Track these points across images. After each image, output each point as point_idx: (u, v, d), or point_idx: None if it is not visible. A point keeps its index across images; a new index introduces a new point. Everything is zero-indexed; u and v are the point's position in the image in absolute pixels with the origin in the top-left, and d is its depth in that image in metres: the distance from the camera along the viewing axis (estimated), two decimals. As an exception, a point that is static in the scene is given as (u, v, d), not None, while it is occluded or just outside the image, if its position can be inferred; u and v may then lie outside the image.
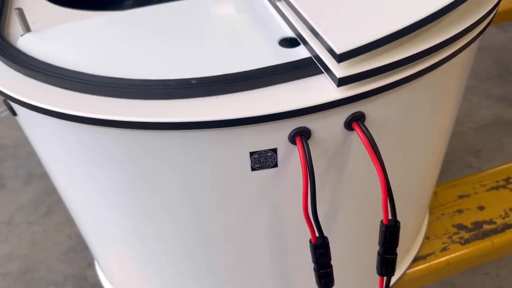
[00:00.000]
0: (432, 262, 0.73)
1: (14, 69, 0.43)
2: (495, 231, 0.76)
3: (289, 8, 0.44)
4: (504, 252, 0.77)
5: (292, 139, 0.39)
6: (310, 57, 0.40)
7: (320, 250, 0.41)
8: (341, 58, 0.35)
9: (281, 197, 0.44)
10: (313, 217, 0.40)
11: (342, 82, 0.36)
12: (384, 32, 0.35)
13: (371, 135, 0.39)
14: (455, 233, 0.76)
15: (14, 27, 0.50)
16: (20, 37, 0.46)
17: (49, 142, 0.47)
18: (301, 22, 0.41)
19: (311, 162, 0.38)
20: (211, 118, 0.36)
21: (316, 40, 0.39)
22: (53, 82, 0.41)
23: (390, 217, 0.41)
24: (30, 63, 0.42)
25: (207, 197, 0.44)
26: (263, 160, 0.41)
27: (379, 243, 0.43)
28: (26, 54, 0.44)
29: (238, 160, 0.40)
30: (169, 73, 0.39)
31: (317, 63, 0.39)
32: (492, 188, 0.83)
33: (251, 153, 0.40)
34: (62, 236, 1.34)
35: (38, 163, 1.55)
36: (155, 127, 0.37)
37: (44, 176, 1.51)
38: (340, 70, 0.36)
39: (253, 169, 0.41)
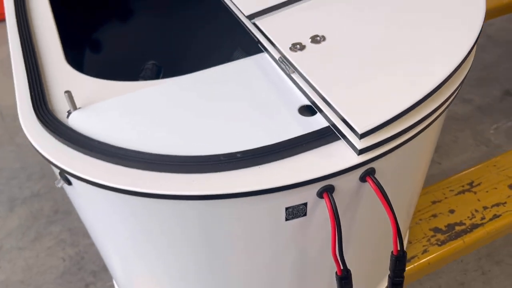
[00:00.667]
0: (416, 264, 0.85)
1: (74, 149, 0.49)
2: (465, 231, 0.89)
3: (303, 80, 0.52)
4: (473, 248, 0.90)
5: (320, 195, 0.48)
6: (329, 126, 0.49)
7: (345, 281, 0.51)
8: (362, 136, 0.44)
9: (308, 239, 0.54)
10: (339, 255, 0.49)
11: (361, 151, 0.45)
12: (397, 110, 0.45)
13: (381, 186, 0.49)
14: (432, 236, 0.88)
15: (56, 102, 0.56)
16: (71, 115, 0.52)
17: (105, 212, 0.53)
18: (316, 94, 0.50)
19: (337, 212, 0.48)
20: (259, 188, 0.45)
21: (333, 113, 0.48)
22: (113, 160, 0.48)
23: (399, 248, 0.51)
24: (89, 143, 0.49)
25: (246, 246, 0.52)
26: (295, 212, 0.50)
27: (390, 269, 0.53)
28: (81, 133, 0.50)
29: (275, 214, 0.49)
30: (216, 148, 0.47)
31: (336, 132, 0.48)
32: (459, 193, 0.96)
33: (286, 208, 0.49)
34: (56, 259, 1.37)
35: (19, 187, 1.56)
36: (213, 198, 0.45)
37: (27, 200, 1.53)
38: (361, 143, 0.45)
39: (286, 219, 0.50)
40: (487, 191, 0.95)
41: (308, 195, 0.48)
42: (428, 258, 0.85)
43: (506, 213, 0.92)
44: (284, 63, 0.54)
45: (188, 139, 0.49)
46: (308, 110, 0.52)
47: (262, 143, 0.48)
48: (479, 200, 0.94)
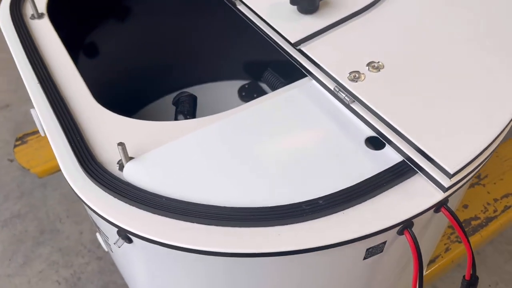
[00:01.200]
0: (440, 263, 0.87)
1: (135, 206, 0.45)
2: (481, 225, 0.92)
3: (367, 111, 0.50)
4: (488, 240, 0.94)
5: (400, 232, 0.47)
6: (403, 160, 0.48)
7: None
8: (453, 175, 0.43)
9: (382, 271, 0.53)
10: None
11: (448, 189, 0.45)
12: (482, 144, 0.44)
13: (455, 214, 0.48)
14: (451, 233, 0.91)
15: (99, 152, 0.51)
16: (125, 168, 0.48)
17: (172, 271, 0.50)
18: (387, 127, 0.49)
19: (419, 246, 0.47)
20: (349, 238, 0.43)
21: (409, 147, 0.47)
22: (181, 217, 0.44)
23: (471, 272, 0.52)
24: (152, 198, 0.45)
25: (323, 284, 0.51)
26: (374, 251, 0.48)
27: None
28: (141, 188, 0.46)
29: (355, 255, 0.48)
30: (294, 196, 0.45)
31: (413, 166, 0.47)
32: (469, 187, 0.98)
33: (367, 249, 0.47)
34: (50, 283, 1.30)
35: (-6, 209, 1.46)
36: (303, 252, 0.43)
37: (8, 222, 1.44)
38: (449, 181, 0.44)
39: (364, 258, 0.49)
40: (494, 183, 0.99)
41: (389, 234, 0.47)
42: (452, 255, 0.88)
43: (515, 204, 0.95)
44: (342, 93, 0.52)
45: (260, 187, 0.46)
46: (374, 141, 0.51)
47: (340, 186, 0.46)
48: (488, 192, 0.97)
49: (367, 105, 0.50)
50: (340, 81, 0.52)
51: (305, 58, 0.56)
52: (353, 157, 0.49)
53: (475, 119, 0.47)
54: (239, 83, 1.21)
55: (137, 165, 0.48)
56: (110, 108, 0.56)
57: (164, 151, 0.50)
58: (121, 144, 0.47)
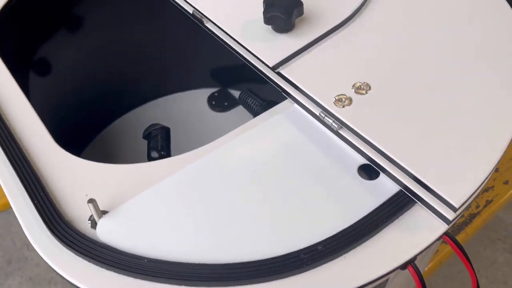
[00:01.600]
0: (429, 266, 0.86)
1: (112, 271, 0.40)
2: (465, 223, 0.91)
3: (358, 139, 0.47)
4: (473, 235, 0.93)
5: (403, 267, 0.44)
6: (401, 190, 0.45)
7: None
8: (458, 209, 0.40)
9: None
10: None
11: (453, 221, 0.42)
12: (484, 173, 0.41)
13: (458, 242, 0.46)
14: (437, 234, 0.90)
15: (64, 206, 0.45)
16: (98, 225, 0.43)
17: None
18: (382, 156, 0.45)
19: (423, 279, 0.44)
20: (354, 286, 0.40)
21: (408, 179, 0.44)
22: (165, 280, 0.40)
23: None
24: (137, 262, 0.40)
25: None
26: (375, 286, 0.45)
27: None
28: (122, 251, 0.41)
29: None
30: (289, 243, 0.41)
31: (412, 196, 0.44)
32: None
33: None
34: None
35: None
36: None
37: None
38: (454, 214, 0.41)
39: (366, 296, 0.46)
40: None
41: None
42: (440, 257, 0.86)
43: (496, 197, 0.95)
44: (328, 118, 0.48)
45: (251, 237, 0.42)
46: (367, 169, 0.47)
47: (338, 226, 0.42)
48: (469, 188, 0.96)
49: (357, 132, 0.46)
50: (326, 106, 0.48)
51: (285, 82, 0.52)
52: (348, 191, 0.45)
53: (474, 142, 0.44)
54: (208, 91, 1.16)
55: (111, 221, 0.43)
56: (75, 129, 0.50)
57: (141, 202, 0.45)
58: (91, 201, 0.42)
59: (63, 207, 0.45)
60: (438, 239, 0.44)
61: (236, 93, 1.16)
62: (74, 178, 0.48)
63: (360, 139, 0.47)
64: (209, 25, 0.61)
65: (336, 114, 0.47)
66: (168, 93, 1.16)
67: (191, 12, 0.62)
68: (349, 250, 0.41)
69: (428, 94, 0.48)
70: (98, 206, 0.42)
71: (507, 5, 0.55)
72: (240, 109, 1.12)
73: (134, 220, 0.44)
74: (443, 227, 0.43)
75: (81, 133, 1.06)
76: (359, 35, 0.54)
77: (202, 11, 0.60)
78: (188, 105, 1.15)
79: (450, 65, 0.51)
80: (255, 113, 0.59)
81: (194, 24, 0.63)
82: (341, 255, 0.41)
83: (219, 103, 1.14)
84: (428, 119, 0.46)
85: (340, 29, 0.55)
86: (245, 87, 0.69)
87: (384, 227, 0.43)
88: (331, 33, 0.54)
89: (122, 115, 1.13)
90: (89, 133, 1.09)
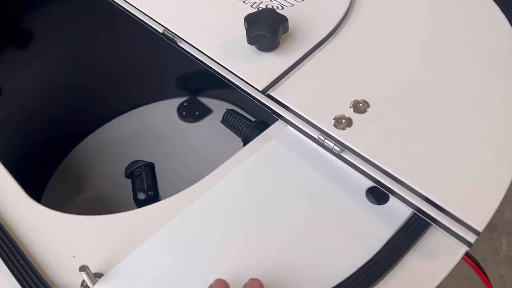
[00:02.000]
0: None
1: None
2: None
3: (363, 161, 0.44)
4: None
5: (425, 293, 0.42)
6: (414, 213, 0.42)
7: None
8: (481, 232, 0.38)
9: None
10: None
11: (473, 243, 0.40)
12: (501, 192, 0.39)
13: (476, 260, 0.44)
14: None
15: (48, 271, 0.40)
16: (93, 295, 0.38)
17: None
18: (388, 177, 0.43)
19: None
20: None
21: (418, 198, 0.41)
22: None
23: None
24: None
25: None
26: (398, 317, 0.43)
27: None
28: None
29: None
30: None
31: (426, 219, 0.42)
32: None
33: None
34: None
35: None
36: None
37: None
38: (475, 237, 0.39)
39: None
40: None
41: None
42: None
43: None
44: (329, 142, 0.45)
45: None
46: (375, 192, 0.45)
47: (358, 263, 0.39)
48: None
49: (361, 155, 0.43)
50: (326, 130, 0.45)
51: (277, 104, 0.48)
52: (360, 220, 0.42)
53: (485, 157, 0.42)
54: (176, 101, 1.10)
55: (107, 286, 0.39)
56: (39, 155, 0.44)
57: (136, 260, 0.40)
58: (83, 268, 0.37)
59: (49, 274, 0.40)
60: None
61: (206, 101, 1.11)
62: (57, 237, 0.43)
63: (365, 161, 0.44)
64: (183, 45, 0.56)
65: (338, 137, 0.44)
66: (134, 106, 1.10)
67: (161, 31, 0.57)
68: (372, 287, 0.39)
69: (431, 108, 0.46)
70: (91, 272, 0.38)
71: (495, 6, 0.54)
72: (212, 118, 1.07)
73: (133, 281, 0.39)
74: (463, 249, 0.41)
75: (46, 159, 0.99)
76: (347, 46, 0.51)
77: (175, 32, 0.55)
78: (158, 117, 1.09)
79: (447, 73, 0.49)
80: (243, 136, 0.56)
81: (155, 34, 0.59)
82: (366, 293, 0.38)
83: (190, 113, 1.08)
84: (434, 135, 0.44)
85: (326, 42, 0.52)
86: (220, 96, 0.64)
87: (404, 256, 0.40)
88: (318, 47, 0.51)
89: (89, 135, 1.06)
90: (55, 158, 1.02)
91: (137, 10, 0.59)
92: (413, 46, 0.51)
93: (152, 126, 1.08)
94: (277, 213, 0.43)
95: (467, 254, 0.43)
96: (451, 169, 0.42)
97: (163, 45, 0.94)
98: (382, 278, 0.39)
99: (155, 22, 0.57)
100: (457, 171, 0.41)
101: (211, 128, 1.06)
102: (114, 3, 0.63)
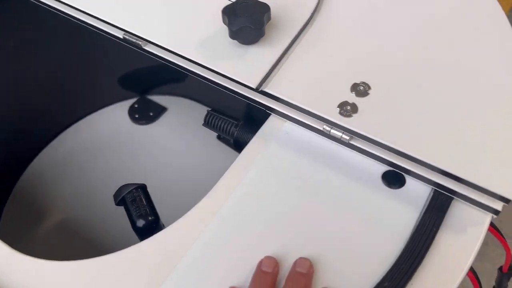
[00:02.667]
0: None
1: None
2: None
3: (371, 144, 0.42)
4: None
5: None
6: (434, 190, 0.41)
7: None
8: (509, 199, 0.38)
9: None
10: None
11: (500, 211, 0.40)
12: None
13: (497, 227, 0.45)
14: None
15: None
16: None
17: None
18: (403, 158, 0.41)
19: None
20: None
21: (437, 174, 0.40)
22: None
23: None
24: None
25: None
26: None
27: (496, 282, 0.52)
28: None
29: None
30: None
31: (450, 194, 0.41)
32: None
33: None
34: None
35: None
36: None
37: None
38: (501, 204, 0.39)
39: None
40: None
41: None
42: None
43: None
44: (336, 131, 0.43)
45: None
46: (390, 176, 0.43)
47: (392, 253, 0.38)
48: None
49: (373, 139, 0.42)
50: (333, 119, 0.42)
51: (273, 100, 0.45)
52: (384, 207, 0.41)
53: (496, 125, 0.42)
54: (127, 104, 1.03)
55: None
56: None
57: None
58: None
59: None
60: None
61: (158, 99, 1.05)
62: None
63: (377, 145, 0.42)
64: (149, 48, 0.51)
65: (346, 125, 0.42)
66: (81, 117, 1.01)
67: (121, 37, 0.52)
68: (412, 276, 0.37)
69: (433, 82, 0.45)
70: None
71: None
72: (168, 116, 1.02)
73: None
74: (488, 217, 0.40)
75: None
76: (331, 26, 0.49)
77: (140, 35, 0.49)
78: (109, 124, 1.02)
79: (441, 43, 0.48)
80: (232, 136, 0.52)
81: (91, 34, 0.53)
82: (407, 283, 0.37)
83: (143, 114, 1.02)
84: (440, 110, 0.43)
85: (309, 25, 0.49)
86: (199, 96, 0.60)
87: (435, 237, 0.39)
88: (302, 32, 0.48)
89: (37, 155, 0.97)
90: (3, 187, 0.92)
91: (91, 17, 0.52)
92: (400, 20, 0.50)
93: (105, 135, 1.00)
94: (299, 217, 0.40)
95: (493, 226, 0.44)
96: (465, 140, 0.41)
97: (102, 48, 0.87)
98: (421, 264, 0.38)
99: (114, 28, 0.51)
100: (472, 142, 0.41)
101: (170, 126, 1.00)
102: (59, 13, 0.55)
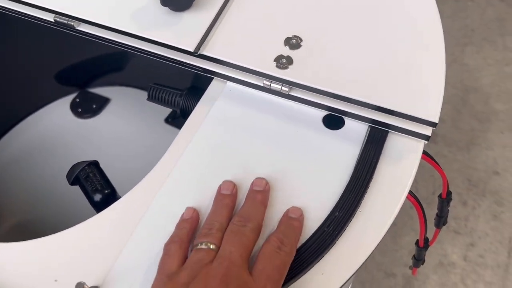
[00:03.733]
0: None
1: None
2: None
3: (310, 92, 0.45)
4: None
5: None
6: (371, 126, 0.45)
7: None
8: (436, 123, 0.42)
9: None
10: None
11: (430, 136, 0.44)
12: (441, 81, 0.43)
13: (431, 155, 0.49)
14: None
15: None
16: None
17: None
18: (341, 101, 0.45)
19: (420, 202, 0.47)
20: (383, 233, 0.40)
21: (372, 111, 0.44)
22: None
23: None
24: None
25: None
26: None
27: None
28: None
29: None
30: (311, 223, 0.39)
31: (385, 128, 0.45)
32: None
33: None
34: None
35: None
36: (353, 275, 0.38)
37: None
38: (430, 130, 0.43)
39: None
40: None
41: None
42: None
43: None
44: (276, 85, 0.45)
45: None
46: (329, 120, 0.46)
47: (340, 186, 0.41)
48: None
49: (311, 87, 0.44)
50: (271, 73, 0.45)
51: (212, 62, 0.47)
52: (328, 147, 0.44)
53: (418, 57, 0.45)
54: (68, 99, 1.01)
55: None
56: None
57: (128, 259, 0.37)
58: (80, 285, 0.33)
59: (38, 308, 0.36)
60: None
61: (98, 91, 1.03)
62: (29, 266, 0.38)
63: (315, 92, 0.45)
64: (82, 27, 0.51)
65: (284, 77, 0.44)
66: (22, 117, 0.98)
67: (52, 20, 0.51)
68: (360, 204, 0.41)
69: (355, 28, 0.48)
70: (87, 286, 0.34)
71: None
72: (112, 106, 1.01)
73: (135, 278, 0.37)
74: (421, 144, 0.44)
75: None
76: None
77: (72, 14, 0.49)
78: (52, 122, 0.99)
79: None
80: (178, 106, 0.53)
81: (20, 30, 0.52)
82: (356, 211, 0.40)
83: (86, 108, 1.00)
84: (368, 50, 0.46)
85: (237, -13, 0.50)
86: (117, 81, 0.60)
87: (376, 166, 0.43)
88: (232, -5, 0.50)
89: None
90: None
91: (18, 4, 0.52)
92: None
93: (50, 132, 0.98)
94: (252, 163, 0.43)
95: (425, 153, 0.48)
96: (392, 76, 0.44)
97: (34, 45, 0.84)
98: (366, 192, 0.41)
99: (42, 11, 0.51)
100: (398, 76, 0.44)
101: (115, 116, 0.99)
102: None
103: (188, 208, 0.41)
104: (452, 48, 1.51)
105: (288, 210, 0.40)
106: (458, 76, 1.45)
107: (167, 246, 0.37)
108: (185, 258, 0.37)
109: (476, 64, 1.47)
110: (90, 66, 1.01)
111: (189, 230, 0.38)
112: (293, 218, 0.39)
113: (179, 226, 0.39)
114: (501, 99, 1.38)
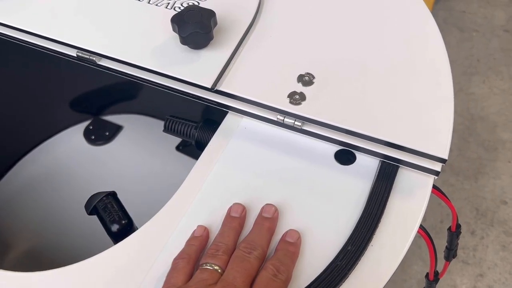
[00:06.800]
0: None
1: None
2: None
3: (322, 127, 0.47)
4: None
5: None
6: (381, 161, 0.46)
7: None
8: (446, 159, 0.43)
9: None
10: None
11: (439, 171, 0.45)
12: (450, 117, 0.45)
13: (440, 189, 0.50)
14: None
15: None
16: None
17: None
18: (351, 136, 0.46)
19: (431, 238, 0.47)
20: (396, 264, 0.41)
21: (383, 147, 0.45)
22: None
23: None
24: None
25: None
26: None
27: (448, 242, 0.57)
28: None
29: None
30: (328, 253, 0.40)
31: (396, 163, 0.46)
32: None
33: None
34: None
35: None
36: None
37: None
38: (441, 166, 0.44)
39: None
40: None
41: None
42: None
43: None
44: (289, 119, 0.47)
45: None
46: (341, 155, 0.48)
47: (353, 219, 0.42)
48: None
49: (323, 122, 0.46)
50: (284, 109, 0.46)
51: (228, 97, 0.48)
52: (339, 182, 0.45)
53: (428, 95, 0.47)
54: (81, 127, 1.03)
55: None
56: None
57: None
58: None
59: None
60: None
61: (112, 118, 1.06)
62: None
63: (327, 127, 0.46)
64: (104, 62, 0.53)
65: (297, 113, 0.46)
66: (36, 144, 1.01)
67: (74, 55, 0.53)
68: (371, 238, 0.42)
69: (366, 66, 0.50)
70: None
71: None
72: (126, 134, 1.03)
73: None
74: (431, 180, 0.46)
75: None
76: (275, 24, 0.53)
77: (94, 50, 0.51)
78: (66, 148, 1.01)
79: (373, 33, 0.53)
80: (193, 138, 0.55)
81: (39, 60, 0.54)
82: (368, 245, 0.41)
83: (99, 135, 1.03)
84: (376, 87, 0.48)
85: (254, 24, 0.53)
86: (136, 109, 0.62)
87: (387, 201, 0.44)
88: (248, 32, 0.52)
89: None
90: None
91: (42, 39, 0.54)
92: (332, 15, 0.55)
93: (63, 159, 1.00)
94: (264, 201, 0.44)
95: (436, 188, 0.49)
96: (402, 112, 0.46)
97: (50, 73, 0.87)
98: (377, 227, 0.43)
99: (65, 46, 0.53)
100: (408, 112, 0.46)
101: (128, 143, 1.01)
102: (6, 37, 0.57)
103: (199, 226, 0.42)
104: (458, 77, 1.53)
105: (285, 234, 0.42)
106: (465, 105, 1.47)
107: (175, 261, 0.40)
108: (191, 274, 0.39)
109: (482, 93, 1.49)
110: (104, 94, 1.03)
111: (198, 247, 0.40)
112: (290, 243, 0.41)
113: (189, 242, 0.41)
114: (507, 128, 1.39)
